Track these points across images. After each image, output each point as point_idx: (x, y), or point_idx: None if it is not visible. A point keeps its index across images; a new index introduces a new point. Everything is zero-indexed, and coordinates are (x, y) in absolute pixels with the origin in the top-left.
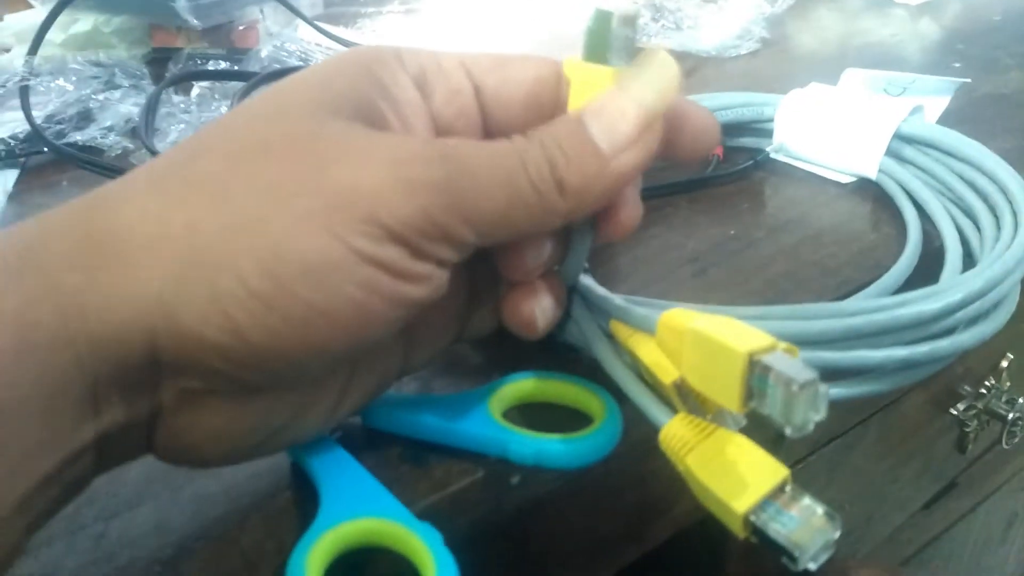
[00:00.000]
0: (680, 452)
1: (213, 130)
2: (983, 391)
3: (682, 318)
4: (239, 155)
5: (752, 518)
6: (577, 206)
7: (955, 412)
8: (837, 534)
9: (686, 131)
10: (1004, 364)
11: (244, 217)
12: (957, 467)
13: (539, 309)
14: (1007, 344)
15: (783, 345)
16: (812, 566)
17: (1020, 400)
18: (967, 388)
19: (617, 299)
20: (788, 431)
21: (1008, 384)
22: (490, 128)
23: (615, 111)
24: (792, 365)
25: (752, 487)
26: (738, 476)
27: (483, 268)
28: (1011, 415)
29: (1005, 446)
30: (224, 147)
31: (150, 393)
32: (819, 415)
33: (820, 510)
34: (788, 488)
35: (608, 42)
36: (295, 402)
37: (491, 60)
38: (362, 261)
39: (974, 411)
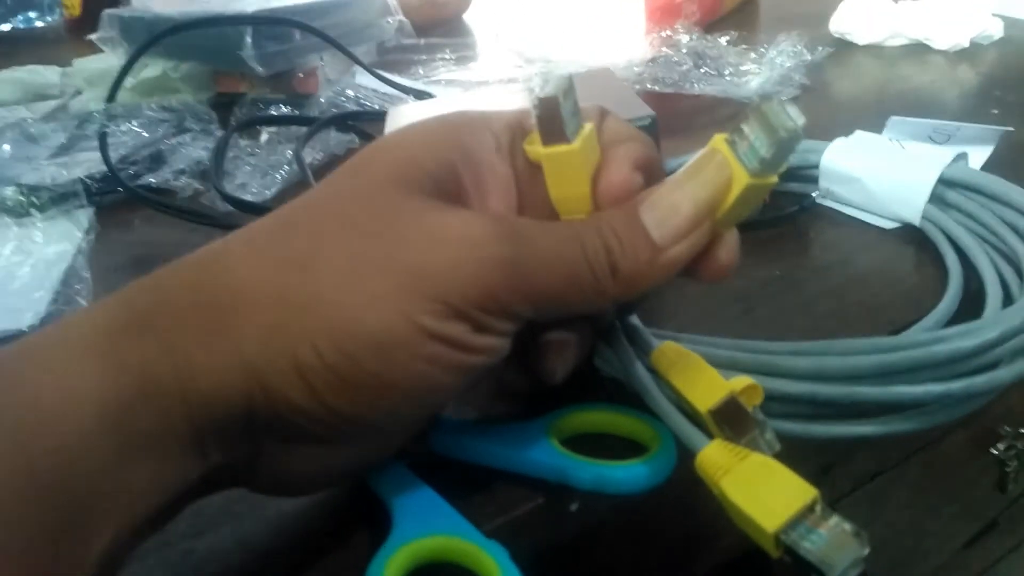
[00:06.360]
0: (715, 476)
1: (306, 203)
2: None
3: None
4: (324, 231)
5: (782, 536)
6: (625, 290)
7: (995, 452)
8: (866, 551)
9: (711, 254)
10: None
11: (323, 293)
12: (998, 506)
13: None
14: None
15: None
16: None
17: None
18: (1007, 428)
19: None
20: None
21: None
22: None
23: (669, 205)
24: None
25: (782, 507)
26: (769, 497)
27: None
28: None
29: None
30: (311, 224)
31: (249, 441)
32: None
33: (848, 528)
34: (818, 508)
35: (562, 122)
36: (377, 444)
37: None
38: (428, 338)
39: (1014, 451)
